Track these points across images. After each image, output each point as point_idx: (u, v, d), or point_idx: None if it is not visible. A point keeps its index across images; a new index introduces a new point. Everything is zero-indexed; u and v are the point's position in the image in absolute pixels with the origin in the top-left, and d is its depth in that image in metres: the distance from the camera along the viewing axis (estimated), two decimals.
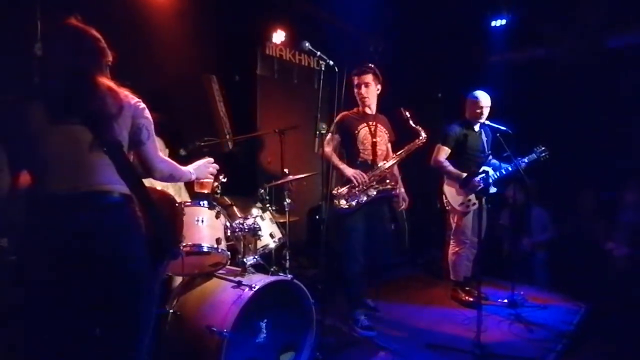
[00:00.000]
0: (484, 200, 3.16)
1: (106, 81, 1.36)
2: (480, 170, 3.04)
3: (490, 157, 3.22)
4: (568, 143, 4.06)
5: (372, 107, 2.83)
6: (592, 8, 3.83)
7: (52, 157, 1.27)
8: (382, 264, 2.85)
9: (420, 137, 2.77)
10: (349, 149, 2.78)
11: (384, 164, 2.72)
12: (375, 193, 2.66)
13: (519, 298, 3.14)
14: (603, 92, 3.89)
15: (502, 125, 3.08)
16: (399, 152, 2.79)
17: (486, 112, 3.20)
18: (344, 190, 2.66)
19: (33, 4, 2.31)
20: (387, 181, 2.73)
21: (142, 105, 1.42)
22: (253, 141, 3.55)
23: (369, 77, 2.75)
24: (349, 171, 2.65)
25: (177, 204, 1.90)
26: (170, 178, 1.57)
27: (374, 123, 2.78)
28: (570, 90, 4.08)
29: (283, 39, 3.79)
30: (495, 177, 3.11)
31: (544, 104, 4.15)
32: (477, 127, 3.27)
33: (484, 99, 3.22)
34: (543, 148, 3.16)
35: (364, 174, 2.64)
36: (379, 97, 2.87)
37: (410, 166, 3.40)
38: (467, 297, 3.22)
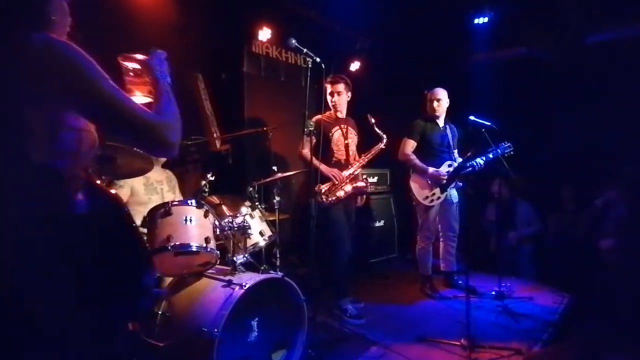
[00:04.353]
0: (450, 195, 3.26)
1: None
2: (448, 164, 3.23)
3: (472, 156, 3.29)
4: (550, 139, 4.16)
5: (343, 112, 3.10)
6: (573, 5, 3.92)
7: None
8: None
9: (383, 142, 3.04)
10: (324, 150, 2.93)
11: (355, 163, 3.00)
12: (350, 189, 2.94)
13: (506, 290, 3.21)
14: (583, 89, 3.98)
15: (486, 121, 3.14)
16: (365, 154, 3.07)
17: (437, 105, 3.28)
18: (324, 187, 2.88)
19: None
20: (361, 179, 3.03)
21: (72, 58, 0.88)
22: (241, 139, 3.52)
23: (340, 87, 3.02)
24: (329, 170, 2.89)
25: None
26: (173, 115, 1.04)
27: (345, 126, 3.06)
28: (552, 87, 4.17)
29: (269, 36, 3.76)
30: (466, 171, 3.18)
31: (527, 101, 4.23)
32: (441, 123, 3.33)
33: (435, 92, 3.31)
34: (508, 144, 3.20)
35: (341, 173, 2.91)
36: (362, 96, 3.11)
37: (397, 162, 3.44)
38: (431, 292, 3.31)
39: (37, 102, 0.84)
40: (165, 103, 1.04)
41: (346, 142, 3.02)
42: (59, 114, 0.88)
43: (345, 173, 2.93)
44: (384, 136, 3.03)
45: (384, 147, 3.05)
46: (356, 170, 3.00)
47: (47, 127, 0.86)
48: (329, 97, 3.03)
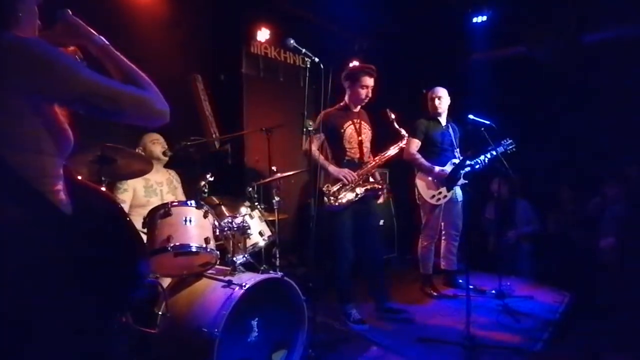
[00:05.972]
0: (455, 194, 3.26)
1: None
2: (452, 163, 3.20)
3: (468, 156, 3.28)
4: (550, 138, 4.16)
5: (357, 105, 2.85)
6: (572, 4, 3.93)
7: None
8: (374, 258, 2.89)
9: (403, 140, 2.84)
10: (335, 148, 2.77)
11: (370, 162, 2.76)
12: (363, 191, 2.69)
13: (506, 289, 3.21)
14: (582, 88, 3.99)
15: (485, 120, 3.14)
16: (384, 153, 2.84)
17: (439, 103, 3.27)
18: (334, 188, 2.66)
19: None
20: (372, 179, 2.81)
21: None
22: (240, 140, 3.52)
23: (373, 81, 2.76)
24: (338, 171, 2.65)
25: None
26: (149, 83, 1.02)
27: (359, 120, 2.79)
28: (551, 86, 4.17)
29: (268, 37, 3.77)
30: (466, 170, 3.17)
31: (526, 100, 4.23)
32: (443, 122, 3.33)
33: (435, 90, 3.31)
34: (510, 141, 3.21)
35: (353, 173, 2.64)
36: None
37: (397, 161, 3.44)
38: (432, 291, 3.31)
39: (8, 103, 0.82)
40: (135, 73, 1.01)
41: (359, 138, 2.73)
42: (35, 113, 0.85)
43: (358, 173, 2.66)
44: (405, 133, 2.82)
45: (404, 145, 2.85)
46: (372, 170, 2.75)
47: (22, 128, 0.84)
48: (359, 90, 2.71)
